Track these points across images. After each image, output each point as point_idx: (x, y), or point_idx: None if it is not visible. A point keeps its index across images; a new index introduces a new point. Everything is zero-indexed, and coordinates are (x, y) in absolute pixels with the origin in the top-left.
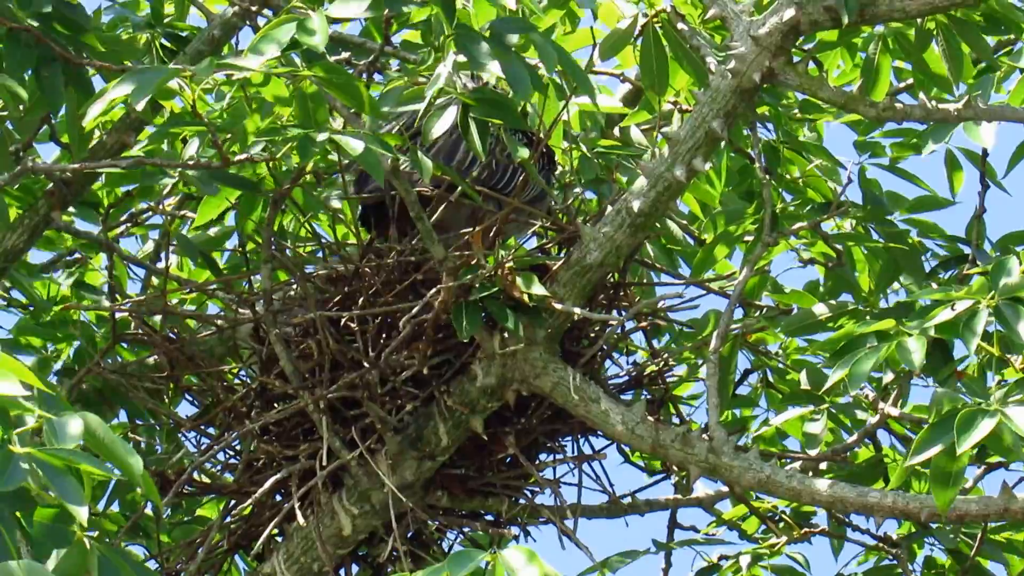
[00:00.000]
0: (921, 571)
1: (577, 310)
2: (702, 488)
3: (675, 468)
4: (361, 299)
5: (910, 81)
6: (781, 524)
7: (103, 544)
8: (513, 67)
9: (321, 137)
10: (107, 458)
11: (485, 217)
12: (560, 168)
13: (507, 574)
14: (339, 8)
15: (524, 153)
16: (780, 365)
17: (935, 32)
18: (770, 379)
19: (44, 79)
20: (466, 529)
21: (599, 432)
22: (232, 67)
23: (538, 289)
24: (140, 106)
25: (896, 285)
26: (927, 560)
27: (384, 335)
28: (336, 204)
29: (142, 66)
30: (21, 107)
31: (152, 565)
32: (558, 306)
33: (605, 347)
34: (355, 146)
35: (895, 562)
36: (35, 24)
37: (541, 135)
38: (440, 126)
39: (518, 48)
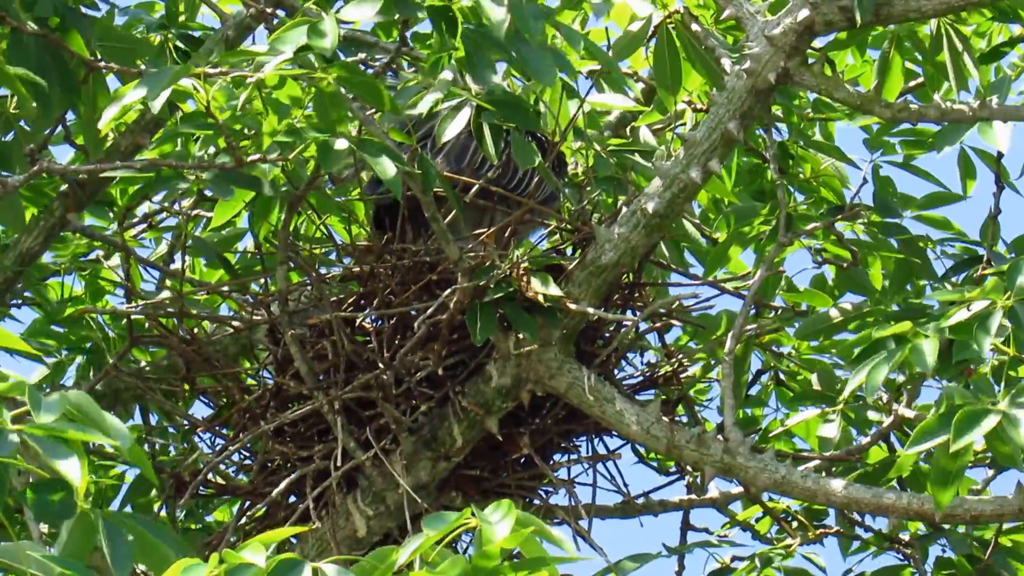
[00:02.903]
0: (932, 571)
1: (592, 310)
2: (715, 488)
3: (689, 468)
4: (376, 300)
5: (919, 80)
6: (795, 525)
7: (108, 511)
8: (534, 57)
9: (340, 145)
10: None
11: (497, 218)
12: (572, 168)
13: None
14: (352, 10)
15: (537, 158)
16: (791, 365)
17: (944, 34)
18: (781, 378)
19: (39, 87)
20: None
21: (613, 432)
22: (245, 54)
23: (553, 289)
24: (157, 107)
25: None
26: (939, 560)
27: (399, 336)
28: (345, 174)
29: (155, 69)
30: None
31: None
32: (573, 306)
33: (619, 347)
34: (386, 168)
35: (906, 562)
36: (39, 25)
37: (556, 137)
38: (453, 128)
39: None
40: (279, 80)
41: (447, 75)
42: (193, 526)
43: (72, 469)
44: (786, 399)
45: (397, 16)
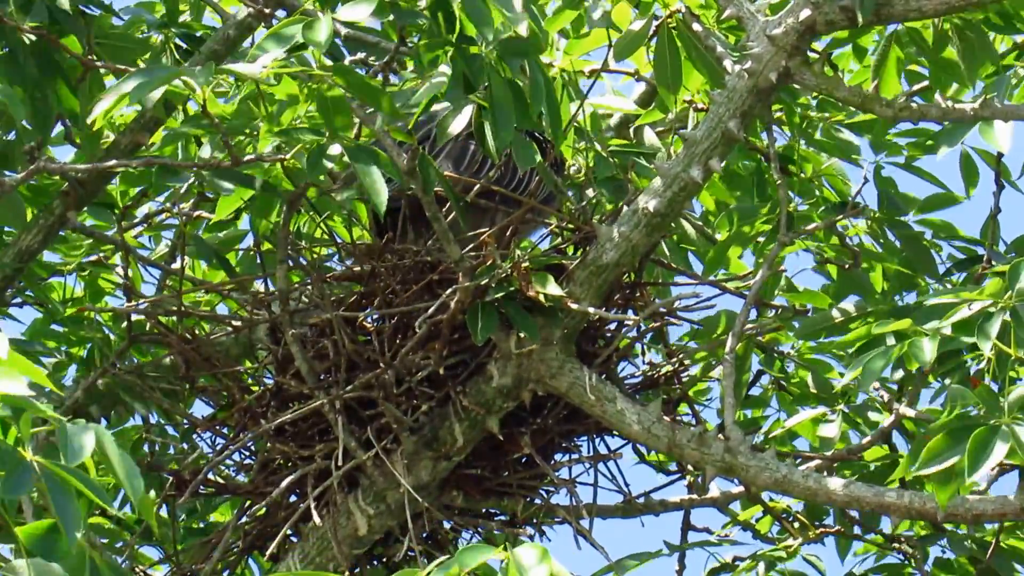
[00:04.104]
0: (931, 570)
1: (593, 310)
2: (716, 487)
3: (690, 468)
4: (377, 299)
5: (924, 84)
6: (796, 524)
7: (99, 554)
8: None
9: (334, 151)
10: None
11: (499, 218)
12: (571, 167)
13: (518, 571)
14: (347, 11)
15: (537, 158)
16: (792, 365)
17: (951, 33)
18: (783, 384)
19: (37, 100)
20: (481, 529)
21: (614, 432)
22: (232, 72)
23: (554, 289)
24: (151, 104)
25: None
26: (939, 561)
27: (400, 335)
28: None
29: (150, 65)
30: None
31: (166, 568)
32: (574, 306)
33: (620, 347)
34: (379, 190)
35: (906, 561)
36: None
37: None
38: (454, 127)
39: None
40: (275, 77)
41: (444, 69)
42: (195, 523)
43: (75, 528)
44: (786, 403)
45: (392, 17)
